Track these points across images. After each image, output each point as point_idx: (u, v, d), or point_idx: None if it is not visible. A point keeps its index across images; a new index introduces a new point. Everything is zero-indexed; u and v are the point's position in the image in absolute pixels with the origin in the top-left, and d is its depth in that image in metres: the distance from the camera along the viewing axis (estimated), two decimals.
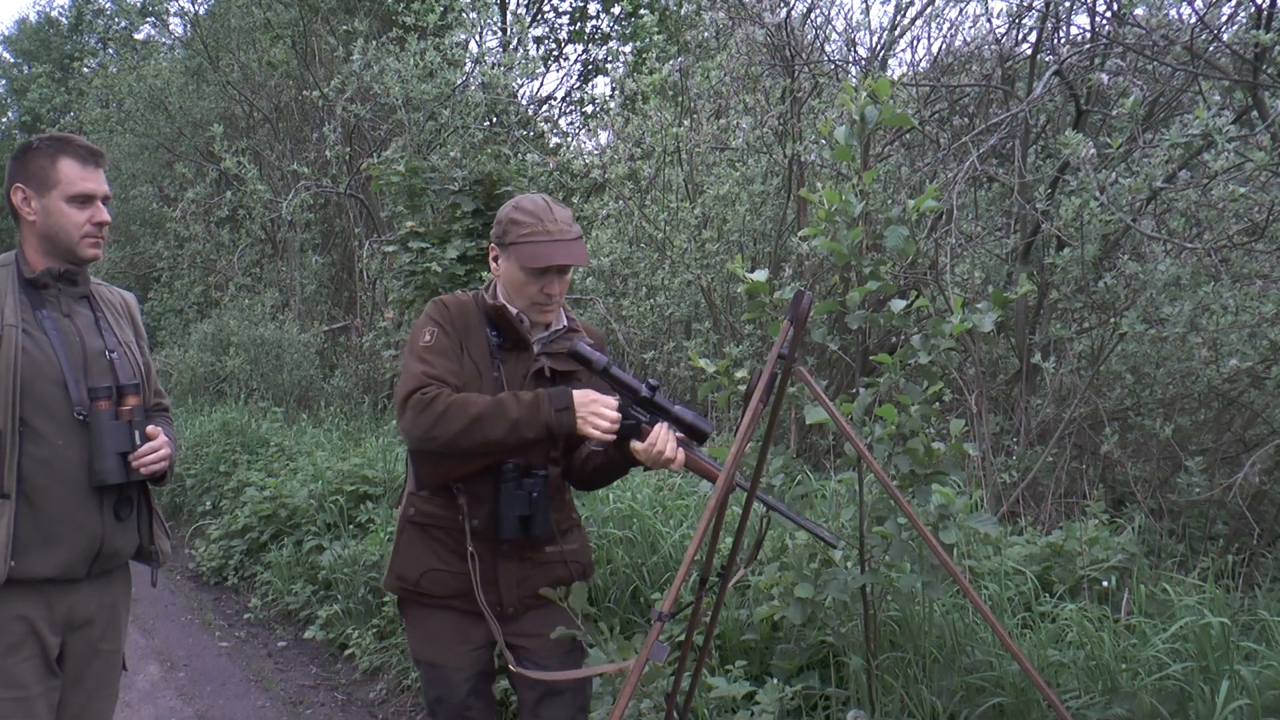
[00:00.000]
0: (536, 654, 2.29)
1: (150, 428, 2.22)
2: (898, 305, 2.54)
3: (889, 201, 4.91)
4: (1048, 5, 5.06)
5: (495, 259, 2.26)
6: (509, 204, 2.27)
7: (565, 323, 2.33)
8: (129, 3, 16.15)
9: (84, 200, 2.15)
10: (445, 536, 2.25)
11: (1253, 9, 4.50)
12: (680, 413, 2.12)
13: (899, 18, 6.49)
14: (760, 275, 2.61)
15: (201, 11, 13.88)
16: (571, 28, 13.12)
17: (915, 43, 10.86)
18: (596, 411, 2.09)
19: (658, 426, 2.11)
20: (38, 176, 2.14)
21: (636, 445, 2.12)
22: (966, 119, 5.43)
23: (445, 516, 2.25)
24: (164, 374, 11.14)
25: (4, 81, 24.31)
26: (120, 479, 2.15)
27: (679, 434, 2.13)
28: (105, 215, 2.20)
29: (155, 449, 2.20)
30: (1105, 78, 4.44)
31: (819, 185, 5.09)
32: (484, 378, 2.22)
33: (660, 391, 2.14)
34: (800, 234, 4.46)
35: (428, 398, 2.09)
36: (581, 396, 2.10)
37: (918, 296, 2.61)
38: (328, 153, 9.39)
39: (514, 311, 2.24)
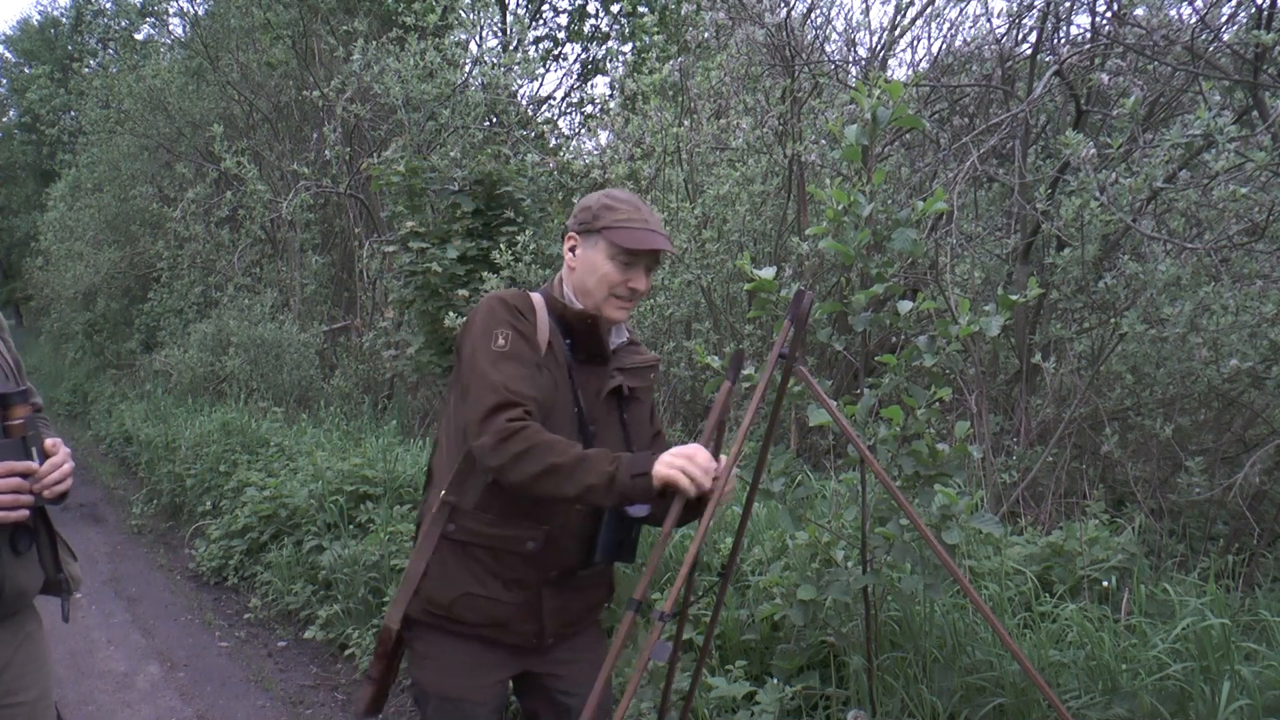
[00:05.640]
0: (567, 682, 2.15)
1: (49, 441, 1.84)
2: (905, 307, 2.53)
3: (889, 202, 4.91)
4: (1048, 5, 5.06)
5: (573, 249, 2.05)
6: (597, 194, 2.07)
7: (627, 335, 2.16)
8: (129, 3, 16.17)
9: None
10: (489, 558, 2.00)
11: (1253, 9, 4.50)
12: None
13: (899, 18, 6.49)
14: (767, 273, 2.59)
15: (201, 11, 13.89)
16: (570, 27, 13.11)
17: (915, 43, 10.89)
18: (688, 468, 1.77)
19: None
20: None
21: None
22: (966, 119, 5.43)
23: (497, 536, 1.99)
24: (164, 374, 11.10)
25: (4, 81, 24.34)
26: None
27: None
28: None
29: (58, 464, 1.81)
30: (1105, 78, 4.43)
31: (827, 182, 5.09)
32: (561, 395, 1.98)
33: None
34: (806, 233, 4.45)
35: (510, 430, 1.81)
36: (673, 457, 1.79)
37: (924, 299, 2.60)
38: (328, 153, 9.40)
39: (596, 317, 2.02)
